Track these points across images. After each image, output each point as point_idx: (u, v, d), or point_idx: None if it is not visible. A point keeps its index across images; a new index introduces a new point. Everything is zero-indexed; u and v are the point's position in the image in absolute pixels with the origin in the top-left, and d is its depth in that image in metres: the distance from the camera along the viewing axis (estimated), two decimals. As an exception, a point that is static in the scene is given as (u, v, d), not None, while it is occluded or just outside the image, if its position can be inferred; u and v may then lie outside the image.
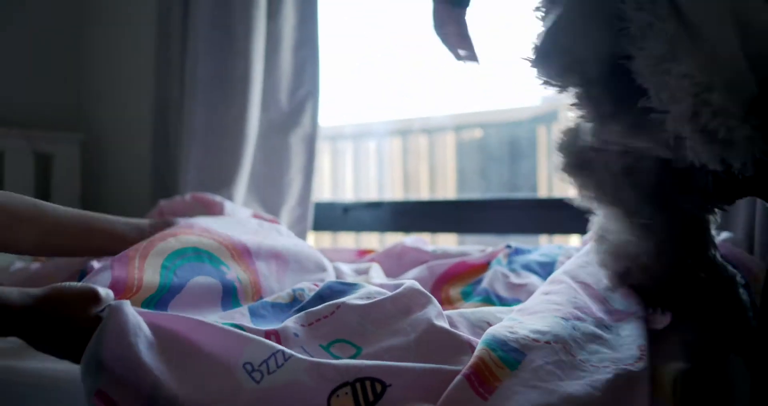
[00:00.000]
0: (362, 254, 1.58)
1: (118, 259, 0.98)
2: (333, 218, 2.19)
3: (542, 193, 2.37)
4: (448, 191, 2.61)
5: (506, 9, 2.23)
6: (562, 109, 2.51)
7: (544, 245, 1.36)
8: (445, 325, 0.76)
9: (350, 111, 2.48)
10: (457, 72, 2.28)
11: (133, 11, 2.49)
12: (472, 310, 0.87)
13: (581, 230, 1.95)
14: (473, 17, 1.15)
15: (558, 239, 2.09)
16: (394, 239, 2.32)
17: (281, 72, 2.04)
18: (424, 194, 2.62)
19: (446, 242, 2.33)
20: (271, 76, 2.04)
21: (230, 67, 2.02)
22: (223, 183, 2.01)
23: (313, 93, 2.04)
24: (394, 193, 2.66)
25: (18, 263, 1.56)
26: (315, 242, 2.30)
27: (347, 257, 1.59)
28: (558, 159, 0.80)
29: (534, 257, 1.28)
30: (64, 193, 2.48)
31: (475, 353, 0.66)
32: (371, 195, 2.59)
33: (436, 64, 2.33)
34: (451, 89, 2.45)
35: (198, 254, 1.05)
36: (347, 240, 2.41)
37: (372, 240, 2.38)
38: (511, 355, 0.65)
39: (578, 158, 0.75)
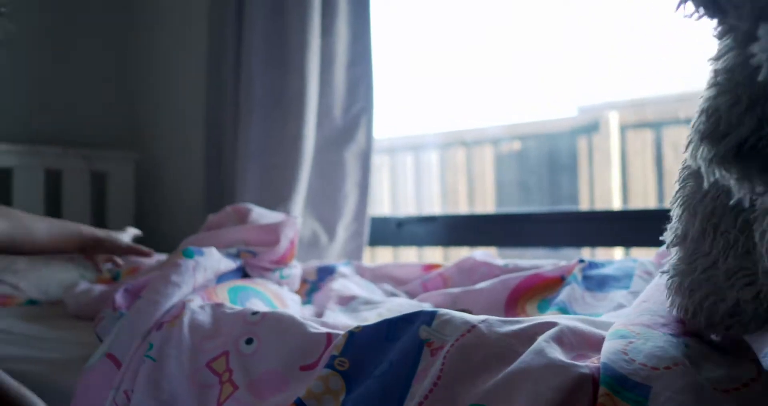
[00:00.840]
0: (429, 268, 1.58)
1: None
2: (387, 232, 2.19)
3: (583, 205, 2.36)
4: (487, 205, 2.61)
5: (541, 21, 2.25)
6: (603, 119, 2.50)
7: (618, 259, 1.35)
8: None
9: (391, 124, 2.49)
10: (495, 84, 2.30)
11: (186, 31, 2.53)
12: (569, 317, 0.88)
13: (626, 242, 1.97)
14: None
15: (600, 253, 2.09)
16: (455, 253, 2.32)
17: (335, 88, 2.06)
18: (462, 208, 2.61)
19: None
20: (326, 92, 2.06)
21: (285, 84, 2.05)
22: (281, 200, 2.03)
23: (367, 109, 2.06)
24: (433, 206, 2.66)
25: (83, 283, 1.59)
26: (371, 257, 2.30)
27: (413, 272, 1.59)
28: (706, 149, 0.70)
29: (608, 270, 1.28)
30: (119, 210, 2.53)
31: (599, 399, 0.66)
32: (409, 209, 2.60)
33: (476, 76, 2.35)
34: (490, 101, 2.45)
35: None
36: (402, 255, 2.41)
37: (429, 255, 2.38)
38: (635, 392, 0.65)
39: (736, 144, 0.66)
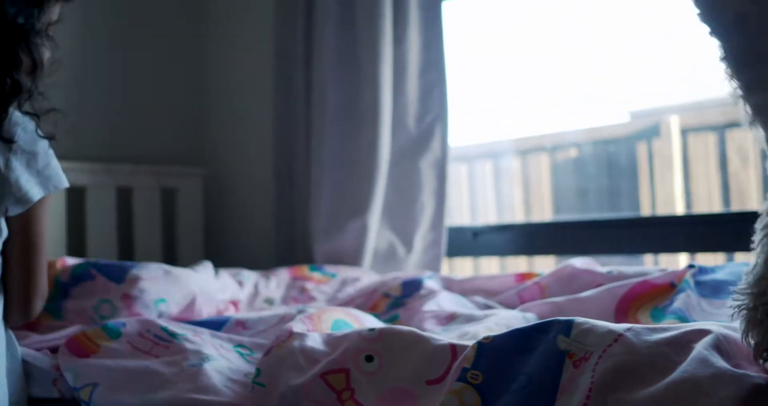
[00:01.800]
0: (522, 278, 1.53)
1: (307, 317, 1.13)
2: (463, 242, 2.15)
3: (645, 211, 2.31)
4: (545, 213, 2.55)
5: (595, 28, 2.20)
6: (663, 123, 2.44)
7: (729, 263, 1.29)
8: None
9: (466, 131, 2.45)
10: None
11: (253, 46, 2.53)
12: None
13: (692, 248, 1.92)
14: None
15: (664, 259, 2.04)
16: (527, 264, 2.27)
17: (408, 97, 2.03)
18: (519, 217, 2.56)
19: (544, 265, 2.27)
20: (398, 102, 2.03)
21: (358, 95, 2.03)
22: (357, 212, 2.01)
23: (441, 116, 2.03)
24: (487, 216, 2.61)
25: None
26: (448, 268, 2.26)
27: (505, 283, 1.54)
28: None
29: (721, 276, 1.22)
30: (188, 226, 2.53)
31: None
32: (485, 218, 2.55)
33: (531, 83, 2.31)
34: (545, 108, 2.41)
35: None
36: (480, 265, 2.37)
37: (507, 264, 2.33)
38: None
39: None
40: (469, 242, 2.16)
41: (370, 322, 1.29)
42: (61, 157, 2.15)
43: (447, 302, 1.43)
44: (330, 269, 1.94)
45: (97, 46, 2.46)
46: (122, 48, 2.52)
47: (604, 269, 1.38)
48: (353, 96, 2.04)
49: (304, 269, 1.94)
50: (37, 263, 1.06)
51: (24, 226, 1.03)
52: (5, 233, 1.00)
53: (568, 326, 0.83)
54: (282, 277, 1.89)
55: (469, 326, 1.19)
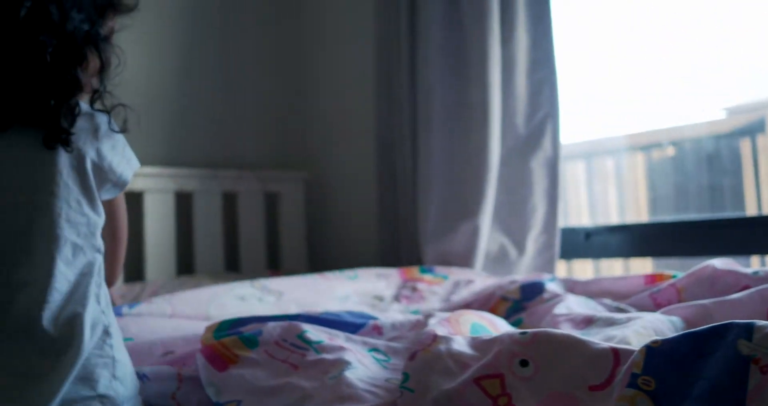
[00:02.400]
0: (652, 279, 1.46)
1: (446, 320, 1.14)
2: (575, 244, 2.09)
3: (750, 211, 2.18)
4: (641, 214, 2.45)
5: (686, 22, 2.10)
6: None
7: None
8: None
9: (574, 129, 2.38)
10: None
11: (353, 48, 2.54)
12: None
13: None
14: None
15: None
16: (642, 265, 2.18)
17: (517, 96, 1.99)
18: (613, 218, 2.46)
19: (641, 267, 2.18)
20: (507, 100, 1.99)
21: (466, 95, 2.00)
22: (467, 214, 1.97)
23: (552, 114, 1.97)
24: (580, 217, 2.52)
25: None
26: (565, 270, 2.20)
27: (634, 284, 1.48)
28: None
29: None
30: (291, 230, 2.55)
31: None
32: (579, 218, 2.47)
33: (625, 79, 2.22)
34: (642, 105, 2.31)
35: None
36: (589, 267, 2.29)
37: (615, 266, 2.25)
38: None
39: None
40: (581, 243, 2.09)
41: (503, 326, 1.25)
42: (170, 163, 2.15)
43: (576, 305, 1.38)
44: (441, 270, 1.91)
45: (200, 57, 2.50)
46: (224, 57, 2.56)
47: (748, 270, 1.30)
48: (461, 96, 2.01)
49: (414, 271, 1.91)
50: (123, 229, 1.17)
51: (112, 207, 1.11)
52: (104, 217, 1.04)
53: (749, 329, 0.78)
54: (393, 277, 1.87)
55: (611, 329, 1.14)
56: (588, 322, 1.22)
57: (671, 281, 1.39)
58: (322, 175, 2.62)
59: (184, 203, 2.34)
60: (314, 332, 1.13)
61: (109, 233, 1.13)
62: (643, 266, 2.26)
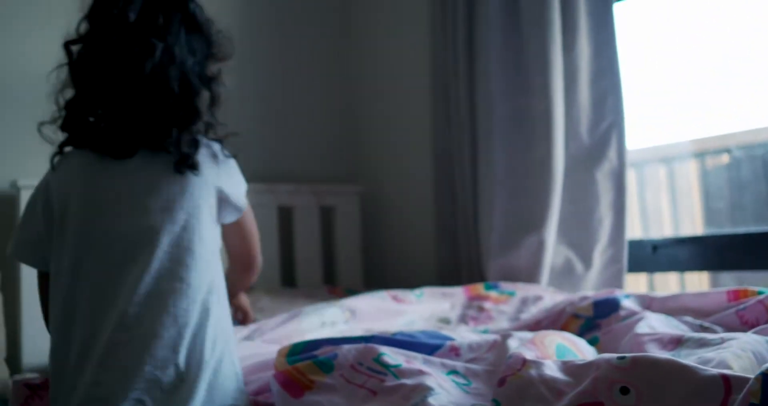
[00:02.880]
0: (735, 295, 1.39)
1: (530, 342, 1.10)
2: (641, 256, 2.02)
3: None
4: (696, 226, 2.36)
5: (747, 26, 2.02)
6: None
7: None
8: None
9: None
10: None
11: (407, 61, 2.51)
12: None
13: None
14: None
15: None
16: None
17: (580, 105, 1.94)
18: (667, 230, 2.37)
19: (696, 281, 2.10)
20: (570, 110, 1.94)
21: (528, 106, 1.95)
22: (532, 227, 1.92)
23: (617, 124, 1.92)
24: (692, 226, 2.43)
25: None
26: (634, 285, 2.13)
27: (716, 301, 1.41)
28: None
29: None
30: (347, 244, 2.52)
31: None
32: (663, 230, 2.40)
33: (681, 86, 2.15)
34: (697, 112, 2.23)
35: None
36: (658, 281, 2.22)
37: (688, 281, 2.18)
38: None
39: None
40: (647, 256, 2.03)
41: (585, 347, 1.20)
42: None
43: (658, 323, 1.32)
44: (507, 286, 1.86)
45: (253, 71, 2.50)
46: (277, 71, 2.56)
47: None
48: (523, 106, 1.96)
49: (479, 288, 1.87)
50: (254, 250, 1.38)
51: (238, 225, 1.27)
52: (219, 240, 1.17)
53: None
54: (458, 296, 1.83)
55: (706, 351, 1.08)
56: (677, 342, 1.16)
57: (759, 297, 1.32)
58: (378, 188, 2.59)
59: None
60: (391, 355, 1.09)
61: (242, 252, 1.37)
62: (699, 279, 2.18)
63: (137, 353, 1.02)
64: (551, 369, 0.94)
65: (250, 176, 2.31)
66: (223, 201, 1.14)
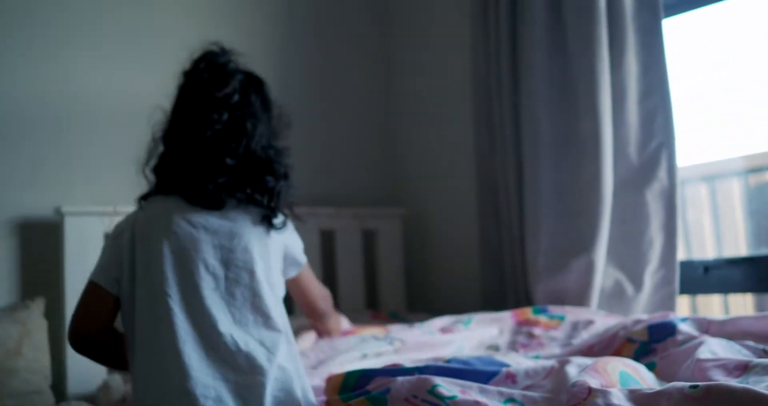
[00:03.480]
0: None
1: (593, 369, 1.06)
2: (692, 278, 1.96)
3: None
4: (739, 247, 2.27)
5: None
6: None
7: None
8: None
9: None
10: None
11: (447, 77, 2.49)
12: None
13: None
14: None
15: None
16: None
17: (628, 124, 1.90)
18: (710, 251, 2.29)
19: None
20: (618, 130, 1.90)
21: (575, 125, 1.92)
22: (581, 249, 1.88)
23: (667, 143, 1.87)
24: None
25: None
26: (688, 308, 2.07)
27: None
28: None
29: None
30: (389, 267, 2.49)
31: None
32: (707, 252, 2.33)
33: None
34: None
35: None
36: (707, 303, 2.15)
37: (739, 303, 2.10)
38: None
39: None
40: (699, 277, 1.97)
41: (647, 374, 1.16)
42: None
43: (720, 348, 1.27)
44: (556, 310, 1.81)
45: (294, 93, 2.50)
46: (318, 92, 2.56)
47: None
48: (570, 126, 1.93)
49: (528, 312, 1.83)
50: (315, 302, 1.60)
51: (301, 283, 1.50)
52: (284, 290, 1.31)
53: None
54: (506, 321, 1.79)
55: (774, 377, 1.03)
56: (743, 368, 1.11)
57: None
58: (421, 211, 2.57)
59: (282, 242, 2.31)
60: (446, 386, 1.06)
61: (304, 303, 1.59)
62: (744, 301, 2.11)
63: None
64: (619, 399, 0.91)
65: (291, 199, 2.34)
66: (286, 256, 1.34)
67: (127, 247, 1.20)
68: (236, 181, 1.23)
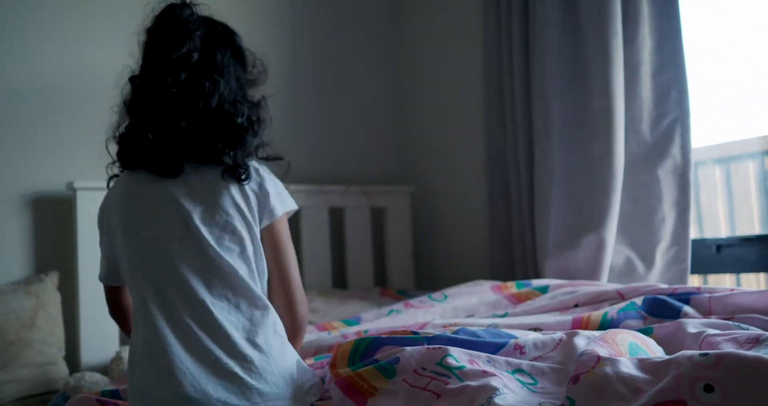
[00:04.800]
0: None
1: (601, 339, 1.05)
2: (704, 257, 1.95)
3: None
4: (754, 227, 2.25)
5: None
6: None
7: None
8: None
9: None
10: None
11: (457, 56, 2.47)
12: None
13: None
14: None
15: None
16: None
17: (641, 100, 1.88)
18: (724, 231, 2.27)
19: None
20: (631, 106, 1.89)
21: (587, 101, 1.90)
22: (591, 226, 1.87)
23: (681, 119, 1.85)
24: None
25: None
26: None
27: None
28: None
29: None
30: (397, 244, 2.49)
31: None
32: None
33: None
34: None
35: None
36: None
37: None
38: None
39: None
40: (711, 256, 1.96)
41: (657, 348, 1.15)
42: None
43: (720, 322, 1.26)
44: (539, 282, 1.77)
45: (304, 73, 2.50)
46: (328, 72, 2.55)
47: None
48: (581, 103, 1.92)
49: (510, 285, 1.79)
50: (288, 273, 1.27)
51: (272, 241, 1.25)
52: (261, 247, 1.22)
53: None
54: (486, 293, 1.79)
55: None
56: (755, 341, 1.11)
57: None
58: (429, 189, 2.56)
59: (291, 219, 2.31)
60: (455, 356, 1.06)
61: (274, 264, 1.30)
62: (757, 280, 2.09)
63: None
64: (627, 367, 0.90)
65: (301, 178, 2.34)
66: (261, 206, 1.23)
67: (107, 240, 1.24)
68: (192, 143, 1.18)
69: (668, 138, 1.86)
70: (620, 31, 1.86)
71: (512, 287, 1.79)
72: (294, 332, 1.24)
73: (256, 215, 1.21)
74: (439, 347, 1.08)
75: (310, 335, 1.62)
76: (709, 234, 2.25)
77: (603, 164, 1.86)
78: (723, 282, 2.15)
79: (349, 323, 1.75)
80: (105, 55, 2.11)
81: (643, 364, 0.91)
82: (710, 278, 2.08)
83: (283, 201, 1.26)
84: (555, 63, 1.96)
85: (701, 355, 0.85)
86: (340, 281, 2.41)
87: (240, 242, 1.17)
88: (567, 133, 1.94)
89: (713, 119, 2.15)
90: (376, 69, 2.66)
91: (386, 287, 2.41)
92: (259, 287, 1.18)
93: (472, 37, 2.37)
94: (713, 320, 1.29)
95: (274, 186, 1.25)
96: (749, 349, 1.11)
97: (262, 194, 1.22)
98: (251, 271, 1.18)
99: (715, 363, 0.83)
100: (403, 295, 2.24)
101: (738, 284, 2.16)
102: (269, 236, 1.24)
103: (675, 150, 1.86)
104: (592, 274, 1.87)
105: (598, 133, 1.87)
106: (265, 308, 1.16)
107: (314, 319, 2.03)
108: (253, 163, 1.24)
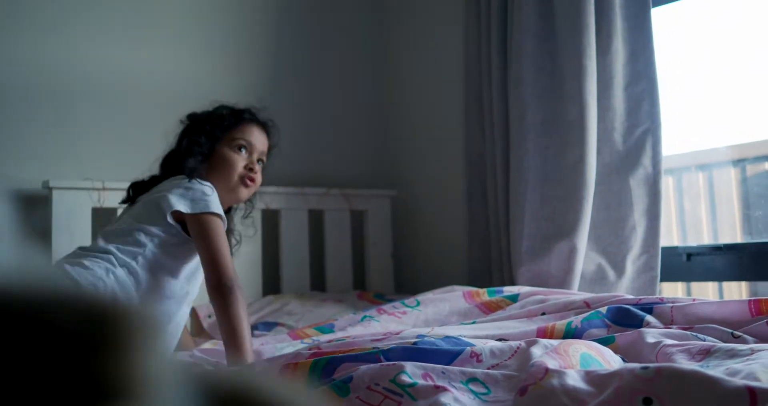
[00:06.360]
0: (758, 304, 1.35)
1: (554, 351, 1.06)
2: (675, 265, 1.98)
3: None
4: (735, 235, 2.28)
5: None
6: None
7: None
8: None
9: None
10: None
11: (439, 62, 2.50)
12: None
13: None
14: None
15: None
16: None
17: (614, 111, 1.91)
18: (706, 239, 2.30)
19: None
20: (604, 116, 1.91)
21: (561, 111, 1.93)
22: (563, 233, 1.90)
23: (652, 130, 1.88)
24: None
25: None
26: (670, 294, 2.08)
27: (737, 310, 1.35)
28: None
29: None
30: (378, 247, 2.51)
31: None
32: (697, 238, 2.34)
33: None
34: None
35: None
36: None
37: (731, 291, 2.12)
38: None
39: None
40: (681, 264, 1.98)
41: (612, 357, 1.17)
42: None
43: (679, 332, 1.28)
44: (511, 290, 1.78)
45: (285, 74, 2.51)
46: (310, 74, 2.57)
47: None
48: (556, 111, 1.94)
49: (482, 293, 1.80)
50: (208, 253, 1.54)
51: (195, 233, 1.55)
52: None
53: None
54: (457, 300, 1.79)
55: (735, 362, 1.05)
56: (706, 353, 1.13)
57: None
58: (409, 193, 2.58)
59: (271, 221, 2.33)
60: (408, 372, 1.07)
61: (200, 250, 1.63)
62: (739, 289, 2.12)
63: None
64: (574, 379, 0.92)
65: (281, 180, 2.36)
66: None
67: None
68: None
69: (640, 148, 1.89)
70: (594, 43, 1.88)
71: (484, 294, 1.79)
72: None
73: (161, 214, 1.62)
74: (393, 364, 1.09)
75: (281, 343, 1.63)
76: (692, 241, 2.28)
77: (576, 172, 1.88)
78: (706, 291, 2.18)
79: (322, 330, 1.76)
80: (86, 52, 2.14)
81: (590, 376, 0.93)
82: (693, 286, 2.11)
83: (194, 202, 1.59)
84: (531, 71, 1.98)
85: (642, 368, 0.87)
86: (318, 284, 2.43)
87: None
88: (542, 140, 1.97)
89: (686, 127, 2.19)
90: (357, 72, 2.68)
91: (364, 290, 2.42)
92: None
93: (453, 42, 2.40)
94: (673, 330, 1.32)
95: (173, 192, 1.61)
96: (700, 360, 1.13)
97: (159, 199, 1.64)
98: None
99: (655, 376, 0.85)
100: (380, 298, 2.25)
101: (720, 292, 2.19)
102: (194, 234, 1.62)
103: (646, 160, 1.88)
104: (564, 280, 1.89)
105: (572, 141, 1.90)
106: None
107: (289, 322, 2.04)
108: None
